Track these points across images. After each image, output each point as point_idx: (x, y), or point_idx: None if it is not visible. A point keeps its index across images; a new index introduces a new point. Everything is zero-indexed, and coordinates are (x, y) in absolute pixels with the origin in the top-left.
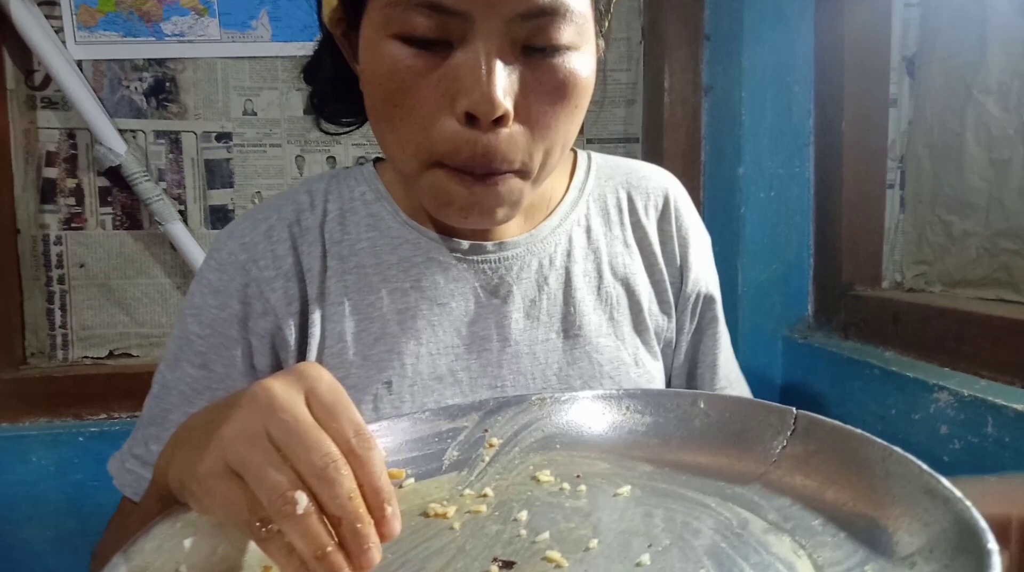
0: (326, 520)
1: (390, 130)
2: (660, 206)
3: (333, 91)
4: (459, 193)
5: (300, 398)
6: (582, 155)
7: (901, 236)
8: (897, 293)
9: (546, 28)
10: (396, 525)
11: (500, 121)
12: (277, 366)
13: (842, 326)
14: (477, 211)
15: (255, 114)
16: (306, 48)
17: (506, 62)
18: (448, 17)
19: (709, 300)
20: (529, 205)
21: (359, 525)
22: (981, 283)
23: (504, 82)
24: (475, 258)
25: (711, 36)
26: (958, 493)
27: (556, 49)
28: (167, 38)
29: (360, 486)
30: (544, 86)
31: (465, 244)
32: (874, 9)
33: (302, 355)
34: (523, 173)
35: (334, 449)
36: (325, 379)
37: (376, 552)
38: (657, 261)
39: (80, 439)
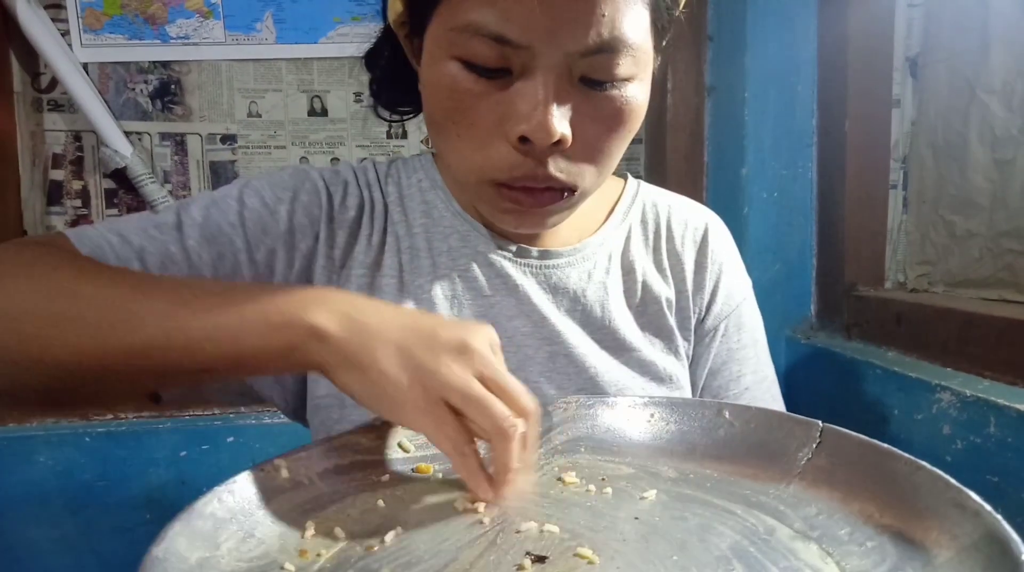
0: None
1: (447, 141)
2: (698, 239)
3: (390, 80)
4: (512, 210)
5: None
6: (632, 181)
7: (904, 236)
8: (900, 293)
9: (605, 63)
10: None
11: (556, 145)
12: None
13: (845, 326)
14: (528, 224)
15: (259, 116)
16: (311, 50)
17: (564, 92)
18: (511, 48)
19: (728, 336)
20: (576, 222)
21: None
22: (984, 283)
23: (561, 111)
24: (520, 261)
25: (714, 37)
26: (988, 506)
27: (614, 82)
28: (172, 41)
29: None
30: (601, 114)
31: (512, 246)
32: (877, 9)
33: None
34: (574, 190)
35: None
36: (499, 353)
37: None
38: (685, 288)
39: (86, 439)
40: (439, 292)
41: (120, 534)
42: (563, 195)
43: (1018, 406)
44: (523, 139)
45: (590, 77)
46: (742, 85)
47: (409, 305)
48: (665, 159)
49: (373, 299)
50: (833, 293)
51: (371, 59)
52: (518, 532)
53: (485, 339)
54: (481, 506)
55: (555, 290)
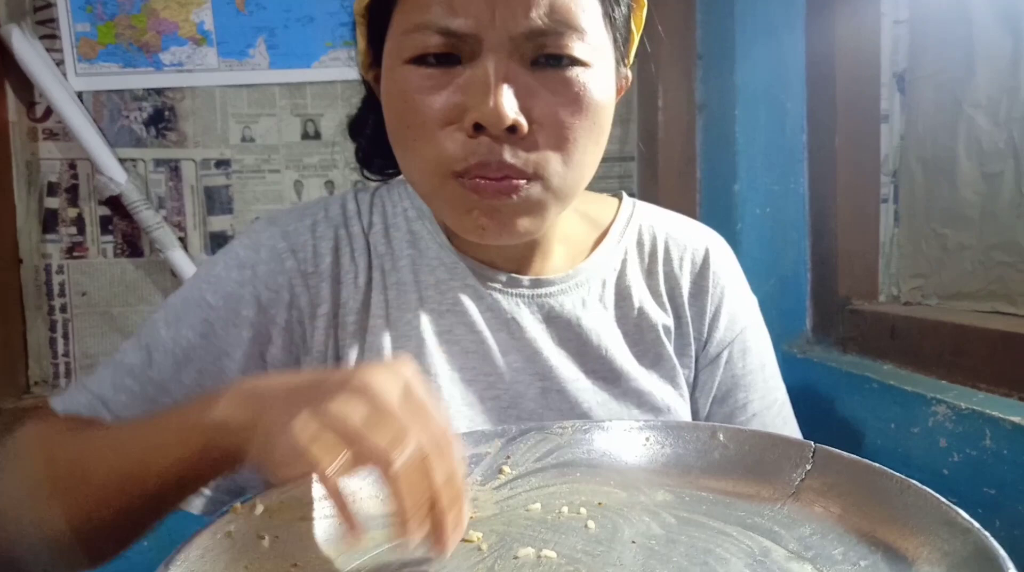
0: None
1: (407, 151)
2: (699, 261)
3: (375, 146)
4: (476, 202)
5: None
6: (627, 202)
7: (896, 250)
8: (894, 307)
9: (554, 42)
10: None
11: (512, 130)
12: (293, 363)
13: (840, 340)
14: (496, 221)
15: (253, 141)
16: (304, 75)
17: (516, 75)
18: (458, 39)
19: (732, 362)
20: (567, 246)
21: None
22: (977, 296)
23: (513, 94)
24: (511, 292)
25: (703, 55)
26: (976, 524)
27: (567, 61)
28: (166, 68)
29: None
30: (557, 97)
31: (503, 276)
32: (864, 26)
33: (335, 359)
34: (540, 180)
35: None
36: (419, 380)
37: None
38: (684, 314)
39: None
40: (428, 328)
41: (118, 562)
42: (524, 182)
43: (1013, 418)
44: (477, 127)
45: (542, 54)
46: (732, 102)
47: (395, 344)
48: (657, 176)
49: (272, 374)
50: (827, 307)
51: (355, 128)
52: (516, 558)
53: (386, 375)
54: (478, 533)
55: (549, 319)
